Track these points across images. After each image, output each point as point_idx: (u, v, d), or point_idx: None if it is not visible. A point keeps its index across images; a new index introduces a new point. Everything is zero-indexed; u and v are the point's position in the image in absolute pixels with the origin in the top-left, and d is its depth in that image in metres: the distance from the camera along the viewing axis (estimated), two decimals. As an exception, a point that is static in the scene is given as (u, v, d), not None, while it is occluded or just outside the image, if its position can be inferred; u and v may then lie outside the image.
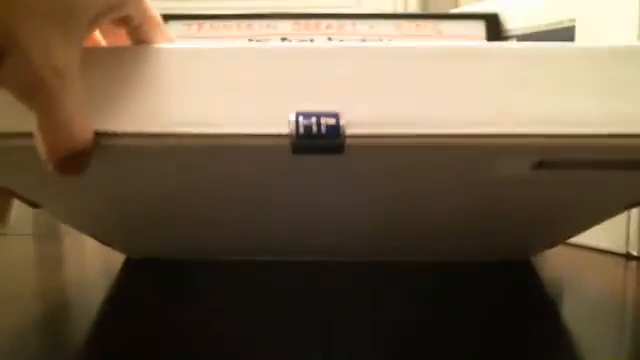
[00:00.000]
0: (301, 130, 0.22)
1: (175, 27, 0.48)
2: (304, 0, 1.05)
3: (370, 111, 0.23)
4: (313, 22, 0.48)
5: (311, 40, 0.48)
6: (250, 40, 0.48)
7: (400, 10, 1.75)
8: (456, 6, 1.45)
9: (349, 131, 0.22)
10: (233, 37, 0.48)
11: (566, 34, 0.45)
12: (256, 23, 0.48)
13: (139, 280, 0.37)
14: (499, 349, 0.26)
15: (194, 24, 0.48)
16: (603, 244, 0.43)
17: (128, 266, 0.40)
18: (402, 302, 0.32)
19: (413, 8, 1.76)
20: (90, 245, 0.46)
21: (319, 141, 0.23)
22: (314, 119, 0.22)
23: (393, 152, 0.24)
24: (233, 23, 0.48)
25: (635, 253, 0.41)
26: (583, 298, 0.33)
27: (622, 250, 0.42)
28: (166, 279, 0.36)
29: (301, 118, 0.22)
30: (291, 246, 0.38)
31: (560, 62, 0.23)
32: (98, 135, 0.23)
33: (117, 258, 0.41)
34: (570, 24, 0.45)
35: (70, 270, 0.41)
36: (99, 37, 0.27)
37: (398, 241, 0.37)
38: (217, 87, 0.23)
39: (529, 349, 0.26)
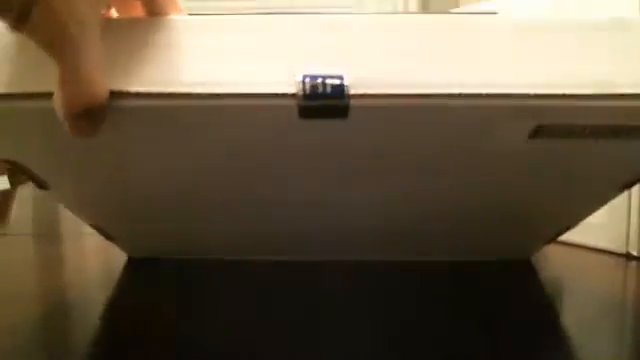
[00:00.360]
0: (307, 90, 0.24)
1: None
2: (305, 0, 1.05)
3: (373, 73, 0.24)
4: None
5: None
6: None
7: (400, 10, 1.75)
8: (456, 6, 1.45)
9: (353, 91, 0.24)
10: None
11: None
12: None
13: (139, 280, 0.37)
14: (499, 349, 0.26)
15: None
16: (603, 244, 0.43)
17: (129, 266, 0.40)
18: (402, 302, 0.32)
19: (413, 8, 1.77)
20: (90, 245, 0.47)
21: (325, 101, 0.24)
22: (320, 80, 0.24)
23: (395, 114, 0.25)
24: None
25: (635, 253, 0.41)
26: (583, 298, 0.33)
27: (622, 250, 0.42)
28: (166, 279, 0.36)
29: (307, 79, 0.24)
30: (291, 246, 0.38)
31: (558, 29, 0.25)
32: (113, 94, 0.24)
33: (117, 258, 0.41)
34: (570, 24, 0.45)
35: (70, 270, 0.41)
36: (114, 14, 0.28)
37: (398, 241, 0.37)
38: (226, 53, 0.25)
39: (529, 349, 0.26)
